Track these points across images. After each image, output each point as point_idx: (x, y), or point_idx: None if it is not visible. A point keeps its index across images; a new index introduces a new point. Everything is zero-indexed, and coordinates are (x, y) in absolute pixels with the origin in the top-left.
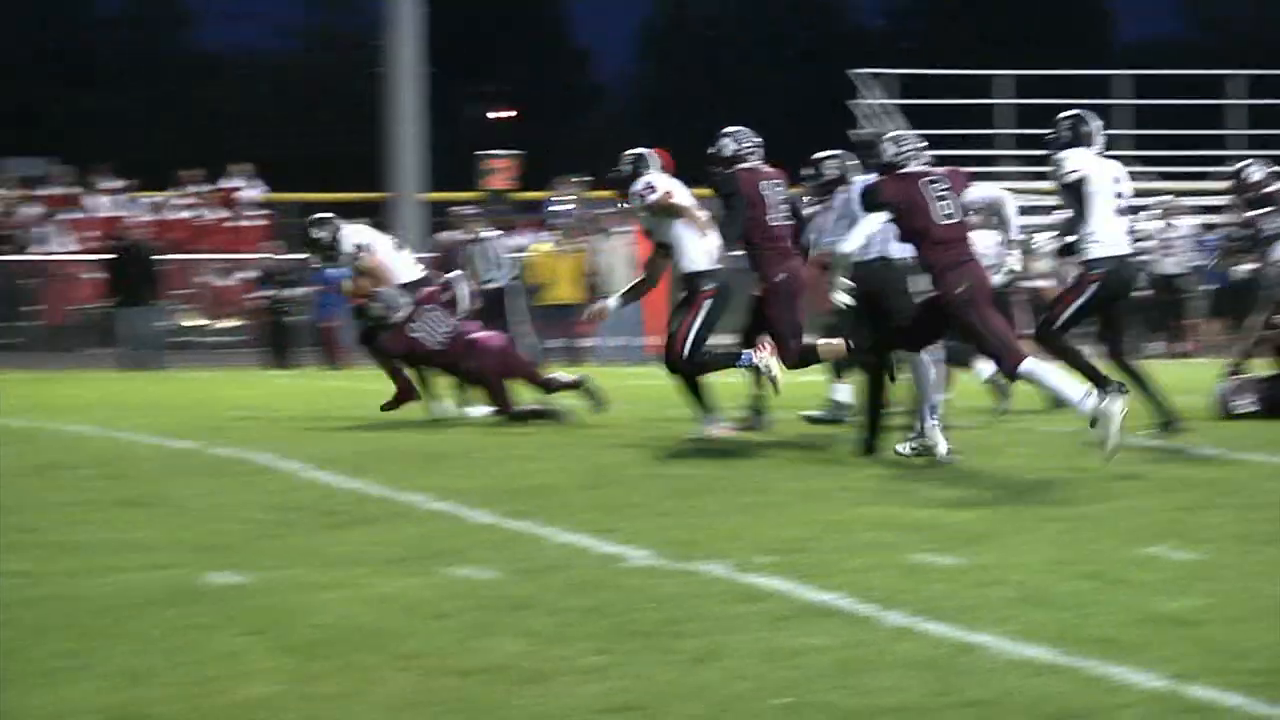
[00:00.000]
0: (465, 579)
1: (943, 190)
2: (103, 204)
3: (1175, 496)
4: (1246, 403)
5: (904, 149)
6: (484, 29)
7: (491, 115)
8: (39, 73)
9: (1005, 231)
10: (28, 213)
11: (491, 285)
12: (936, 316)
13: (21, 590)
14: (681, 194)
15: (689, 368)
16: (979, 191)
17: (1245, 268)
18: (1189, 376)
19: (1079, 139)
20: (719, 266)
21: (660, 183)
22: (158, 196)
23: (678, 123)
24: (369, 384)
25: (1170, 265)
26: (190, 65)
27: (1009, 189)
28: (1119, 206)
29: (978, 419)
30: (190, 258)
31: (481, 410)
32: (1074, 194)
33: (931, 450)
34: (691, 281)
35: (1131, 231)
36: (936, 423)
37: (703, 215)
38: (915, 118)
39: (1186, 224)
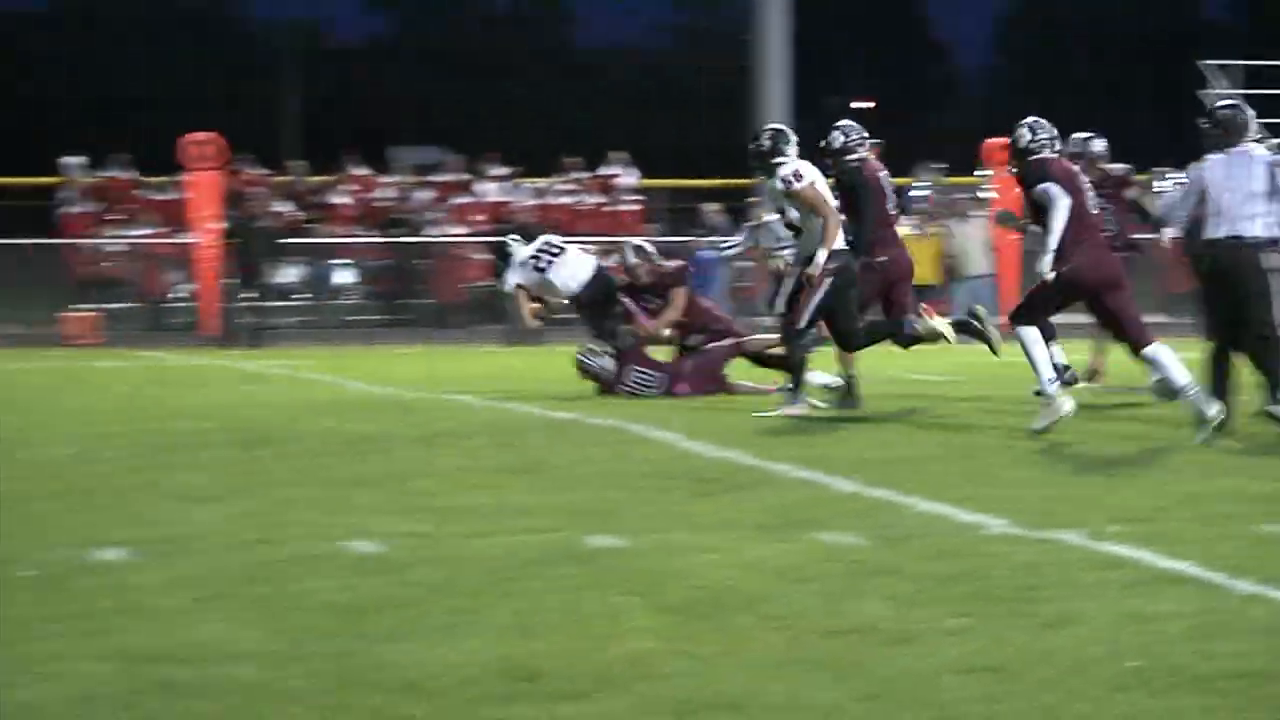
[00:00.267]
0: (831, 545)
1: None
2: (490, 190)
3: None
4: None
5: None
6: (847, 23)
7: (854, 106)
8: (435, 66)
9: None
10: (421, 198)
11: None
12: None
13: (419, 550)
14: (822, 185)
15: (796, 338)
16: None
17: None
18: None
19: None
20: (843, 249)
21: (806, 171)
22: (541, 183)
23: (1028, 114)
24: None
25: None
26: (571, 61)
27: None
28: None
29: None
30: (572, 240)
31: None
32: None
33: None
34: (812, 269)
35: None
36: None
37: (833, 206)
38: (1261, 107)
39: None
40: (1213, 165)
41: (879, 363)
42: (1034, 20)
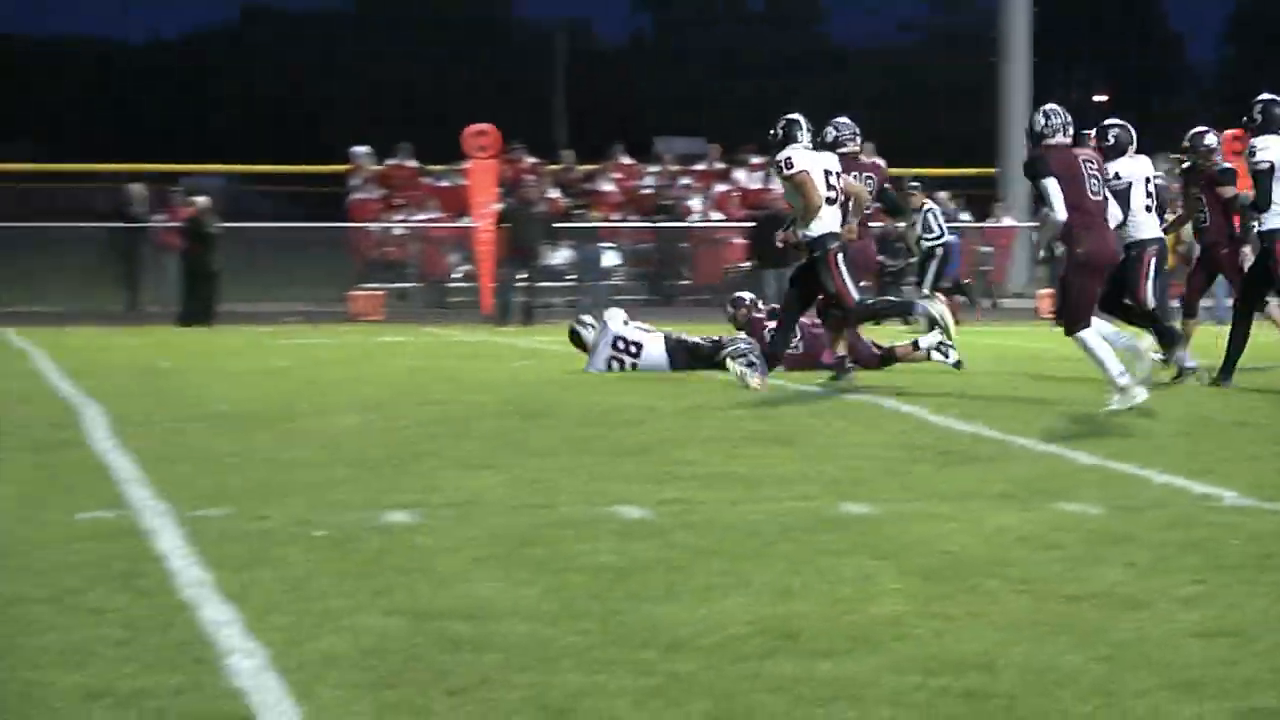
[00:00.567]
0: (1072, 514)
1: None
2: (745, 178)
3: None
4: None
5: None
6: (1086, 19)
7: (1096, 99)
8: (694, 63)
9: None
10: (684, 185)
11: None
12: None
13: (682, 516)
14: (817, 174)
15: (862, 311)
16: None
17: None
18: None
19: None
20: (839, 229)
21: (799, 159)
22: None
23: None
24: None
25: None
26: (822, 56)
27: None
28: None
29: None
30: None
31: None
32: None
33: None
34: (817, 244)
35: None
36: None
37: (820, 198)
38: None
39: None
40: None
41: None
42: (1265, 12)
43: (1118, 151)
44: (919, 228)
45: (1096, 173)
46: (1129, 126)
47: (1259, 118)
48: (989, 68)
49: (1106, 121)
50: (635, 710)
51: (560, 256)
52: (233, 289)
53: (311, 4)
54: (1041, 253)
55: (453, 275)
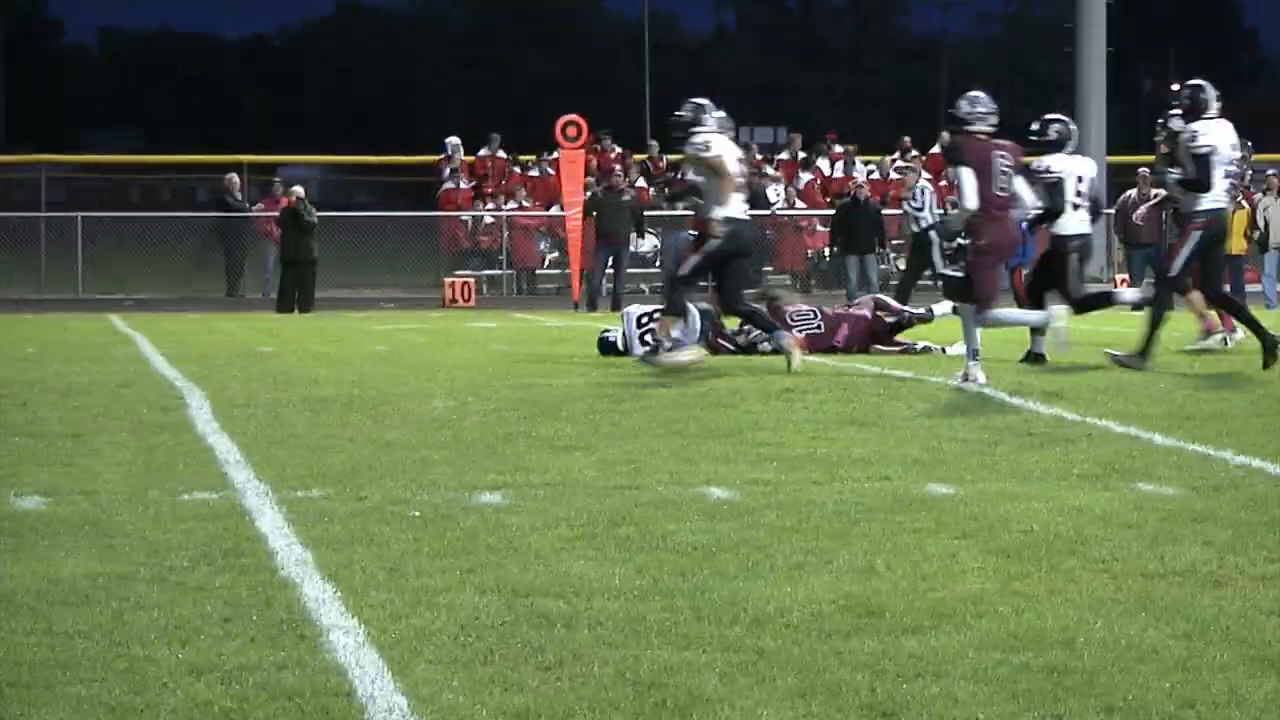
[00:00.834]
0: (1151, 494)
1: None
2: (828, 167)
3: None
4: None
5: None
6: (1159, 10)
7: (1174, 88)
8: (776, 55)
9: None
10: (769, 174)
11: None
12: None
13: (768, 496)
14: (730, 159)
15: (679, 284)
16: None
17: None
18: None
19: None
20: (740, 218)
21: (717, 144)
22: (876, 161)
23: None
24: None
25: None
26: (902, 48)
27: None
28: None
29: None
30: (894, 213)
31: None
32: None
33: None
34: (709, 226)
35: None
36: None
37: (736, 181)
38: None
39: None
40: None
41: (1193, 326)
42: None
43: (1056, 146)
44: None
45: (1008, 168)
46: (1070, 123)
47: (1187, 102)
48: (1065, 58)
49: (1047, 116)
50: (723, 685)
51: (647, 244)
52: (329, 276)
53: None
54: (946, 240)
55: (543, 263)
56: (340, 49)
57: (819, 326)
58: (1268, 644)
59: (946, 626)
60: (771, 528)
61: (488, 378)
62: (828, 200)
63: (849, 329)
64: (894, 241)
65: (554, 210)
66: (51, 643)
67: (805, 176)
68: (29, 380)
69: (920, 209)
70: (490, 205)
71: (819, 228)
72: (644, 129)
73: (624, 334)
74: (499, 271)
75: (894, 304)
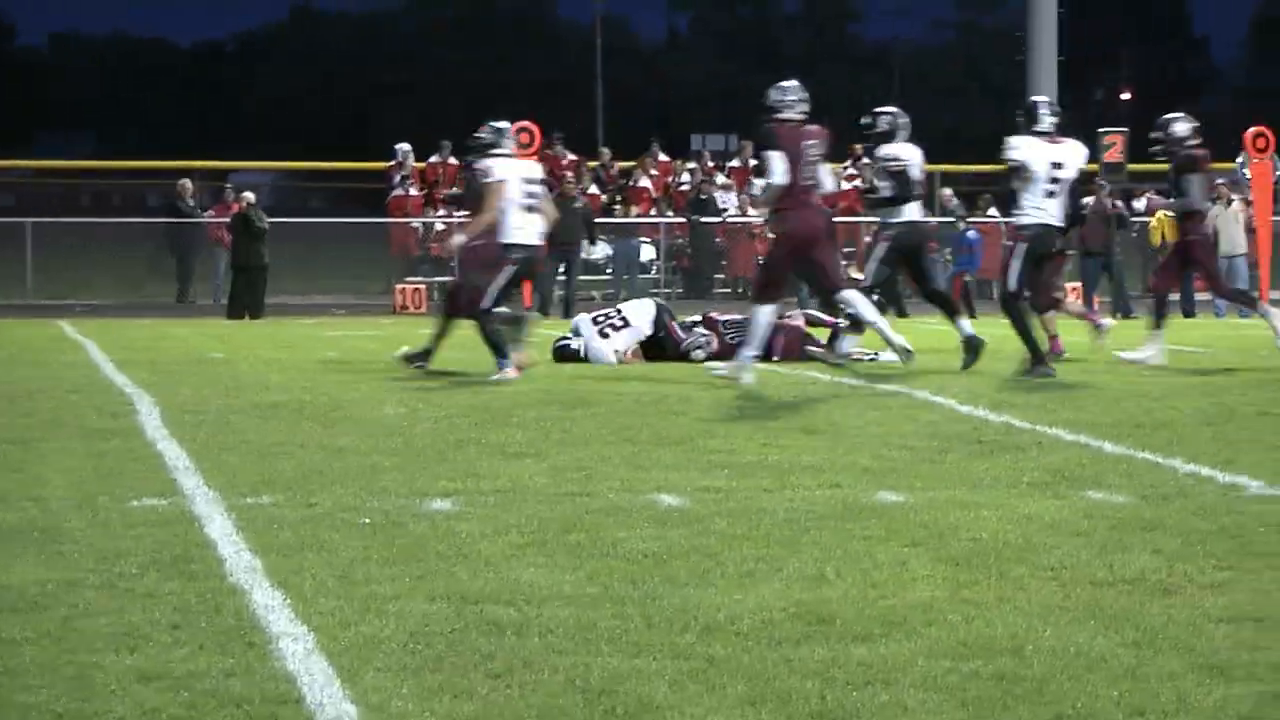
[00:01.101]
0: (1100, 502)
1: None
2: None
3: None
4: None
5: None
6: (1111, 20)
7: (1125, 97)
8: (730, 61)
9: None
10: (720, 182)
11: None
12: None
13: (718, 503)
14: (514, 185)
15: (484, 319)
16: None
17: None
18: None
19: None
20: (531, 243)
21: (499, 169)
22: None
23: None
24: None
25: None
26: (856, 54)
27: None
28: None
29: None
30: (852, 220)
31: None
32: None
33: None
34: (503, 250)
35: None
36: None
37: (499, 208)
38: None
39: None
40: None
41: (1143, 335)
42: None
43: (888, 138)
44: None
45: (815, 156)
46: (901, 113)
47: (1022, 118)
48: (1017, 66)
49: (877, 109)
50: (673, 692)
51: (599, 251)
52: (280, 282)
53: (359, 4)
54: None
55: None
56: (293, 54)
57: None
58: (1216, 652)
59: (896, 634)
60: (722, 535)
61: (438, 384)
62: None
63: (784, 340)
64: (846, 249)
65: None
66: None
67: (758, 183)
68: None
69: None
70: (441, 212)
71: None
72: (596, 135)
73: (583, 344)
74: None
75: (825, 317)
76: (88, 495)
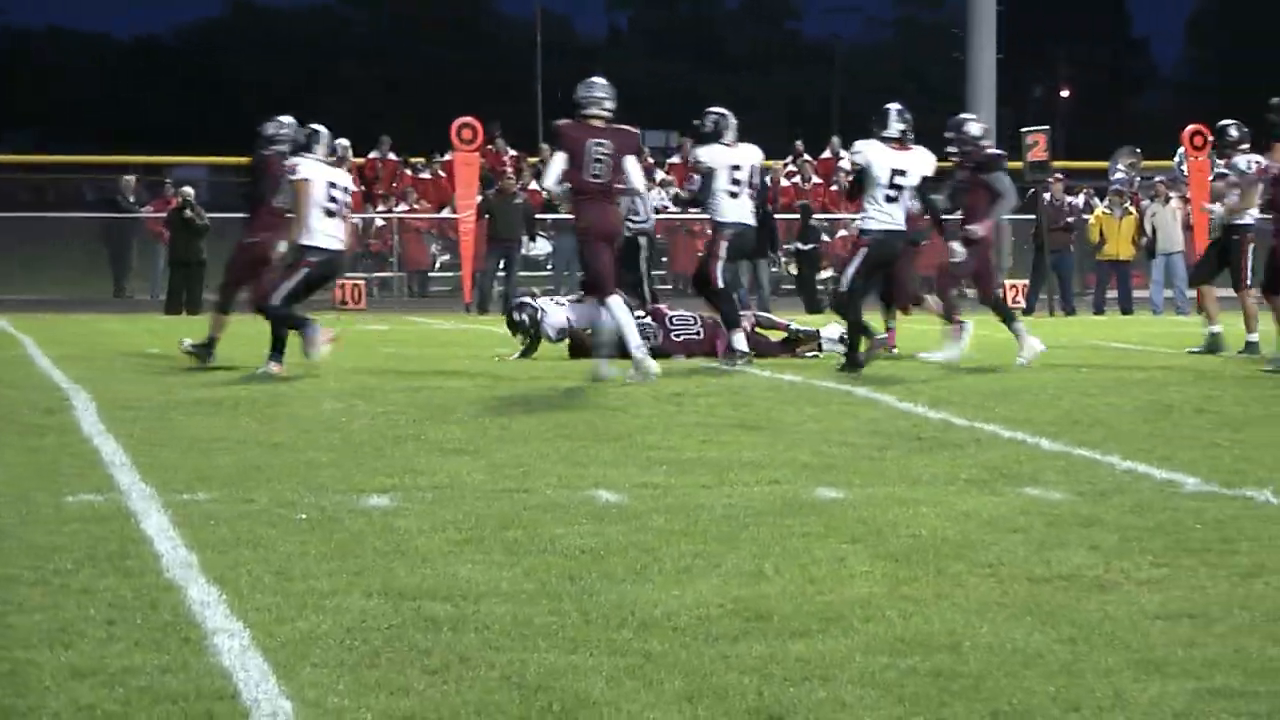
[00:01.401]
0: (1038, 498)
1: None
2: None
3: None
4: None
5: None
6: (1050, 18)
7: (1064, 94)
8: (670, 57)
9: None
10: (659, 179)
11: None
12: None
13: (657, 499)
14: (319, 187)
15: (271, 313)
16: None
17: None
18: None
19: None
20: (330, 248)
21: (305, 169)
22: (770, 165)
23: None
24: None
25: None
26: (797, 52)
27: None
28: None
29: None
30: (787, 218)
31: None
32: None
33: None
34: (299, 251)
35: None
36: None
37: (310, 210)
38: None
39: None
40: None
41: (1083, 331)
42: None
43: (712, 137)
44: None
45: (604, 154)
46: (727, 114)
47: (875, 124)
48: (956, 64)
49: (708, 109)
50: (610, 688)
51: (539, 247)
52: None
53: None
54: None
55: (434, 265)
56: (232, 49)
57: (698, 333)
58: (1152, 648)
59: (834, 630)
60: (660, 531)
61: (377, 380)
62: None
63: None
64: (786, 247)
65: (445, 212)
66: None
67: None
68: None
69: (638, 216)
70: (381, 207)
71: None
72: (536, 131)
73: (539, 310)
74: (390, 274)
75: (778, 320)
76: (23, 491)
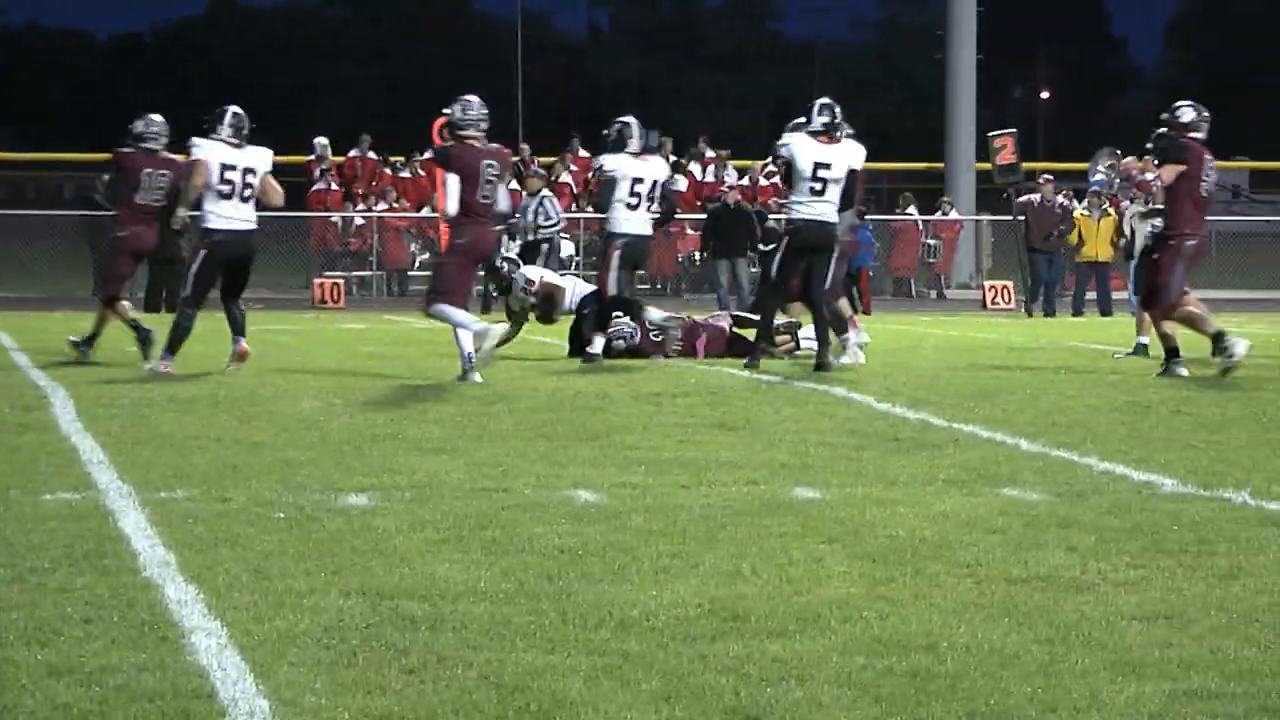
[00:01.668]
0: (1015, 499)
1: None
2: (698, 171)
3: None
4: None
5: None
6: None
7: (1044, 95)
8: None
9: None
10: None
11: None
12: None
13: (635, 499)
14: (212, 168)
15: (180, 306)
16: None
17: None
18: None
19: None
20: (228, 229)
21: (200, 150)
22: (747, 165)
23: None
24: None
25: None
26: (779, 51)
27: None
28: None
29: None
30: (775, 217)
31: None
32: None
33: None
34: (198, 234)
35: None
36: None
37: (199, 188)
38: None
39: None
40: None
41: (1063, 333)
42: (1209, 16)
43: (616, 146)
44: (532, 215)
45: (494, 176)
46: (633, 123)
47: (801, 118)
48: (937, 64)
49: (616, 119)
50: (587, 689)
51: (518, 246)
52: None
53: None
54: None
55: (413, 265)
56: (212, 47)
57: (678, 334)
58: (1128, 649)
59: (811, 630)
60: (638, 531)
61: (355, 379)
62: (700, 204)
63: (707, 339)
64: (763, 246)
65: (425, 212)
66: None
67: (679, 180)
68: None
69: (550, 219)
70: (360, 206)
71: (689, 231)
72: (516, 130)
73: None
74: (369, 273)
75: (754, 317)
76: (0, 489)
